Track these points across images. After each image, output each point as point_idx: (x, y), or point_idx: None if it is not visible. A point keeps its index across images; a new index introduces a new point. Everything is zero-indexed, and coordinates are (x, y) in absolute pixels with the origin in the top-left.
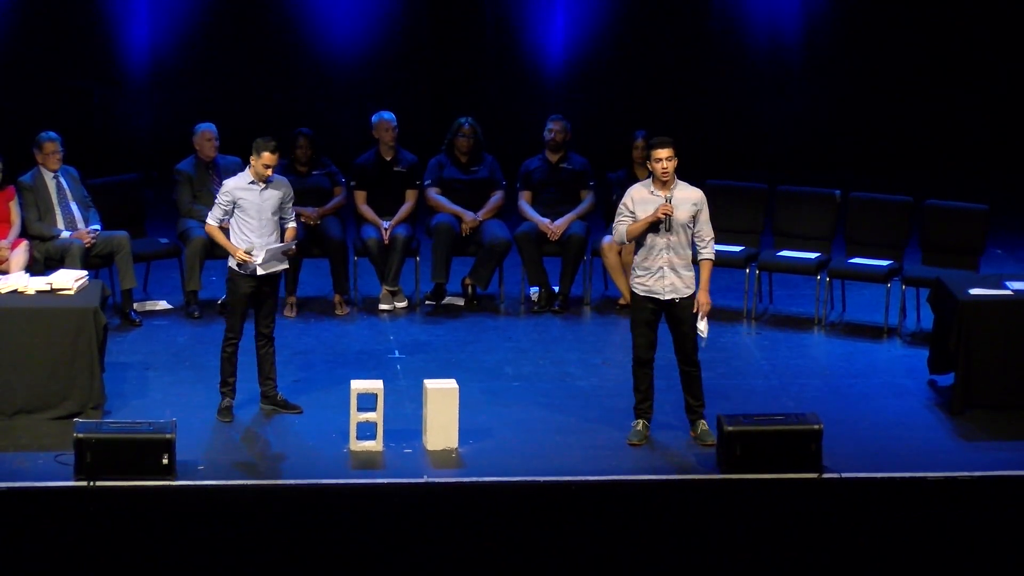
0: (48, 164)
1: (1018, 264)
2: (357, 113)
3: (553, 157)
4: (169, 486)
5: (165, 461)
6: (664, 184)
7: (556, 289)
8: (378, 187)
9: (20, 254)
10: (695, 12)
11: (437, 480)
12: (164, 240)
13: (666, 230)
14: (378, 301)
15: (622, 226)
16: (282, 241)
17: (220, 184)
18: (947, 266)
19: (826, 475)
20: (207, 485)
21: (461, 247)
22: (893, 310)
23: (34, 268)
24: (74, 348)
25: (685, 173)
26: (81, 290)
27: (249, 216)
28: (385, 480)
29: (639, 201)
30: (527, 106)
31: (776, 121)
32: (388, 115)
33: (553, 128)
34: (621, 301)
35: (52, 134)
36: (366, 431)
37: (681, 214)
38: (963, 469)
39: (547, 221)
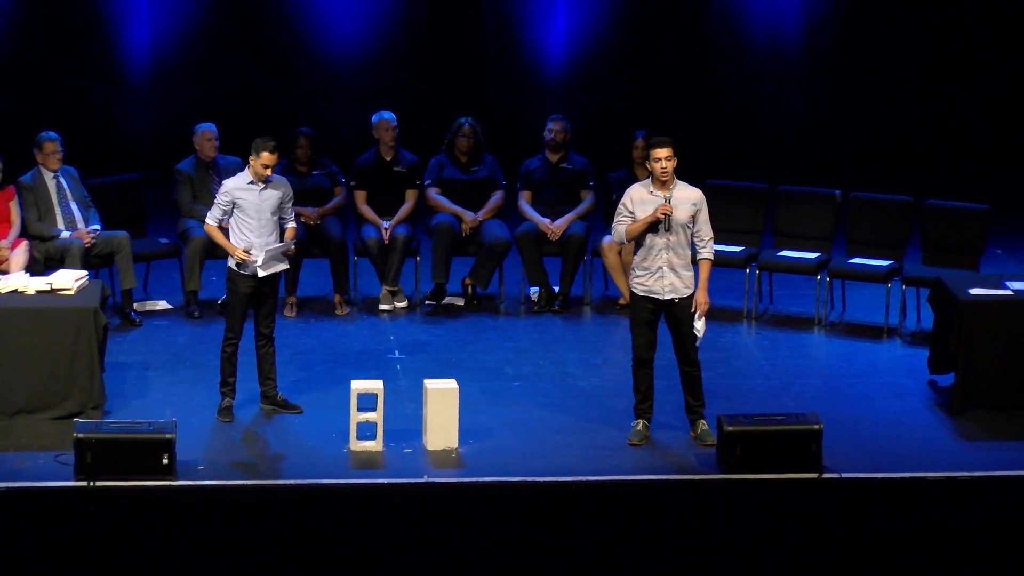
0: (48, 164)
1: (1018, 264)
2: (357, 113)
3: (553, 157)
4: (169, 486)
5: (165, 461)
6: (663, 184)
7: (556, 289)
8: (378, 187)
9: (20, 254)
10: (695, 12)
11: (437, 480)
12: (164, 240)
13: (665, 230)
14: (378, 301)
15: (621, 226)
16: (282, 241)
17: (220, 184)
18: (947, 266)
19: (826, 475)
20: (207, 485)
21: (461, 247)
22: (893, 310)
23: (34, 268)
24: (74, 348)
25: (685, 173)
26: (81, 290)
27: (248, 216)
28: (385, 480)
29: (638, 201)
30: (527, 106)
31: (776, 121)
32: (388, 115)
33: (553, 128)
34: (621, 301)
35: (52, 134)
36: (366, 431)
37: (680, 214)
38: (963, 469)
39: (547, 221)
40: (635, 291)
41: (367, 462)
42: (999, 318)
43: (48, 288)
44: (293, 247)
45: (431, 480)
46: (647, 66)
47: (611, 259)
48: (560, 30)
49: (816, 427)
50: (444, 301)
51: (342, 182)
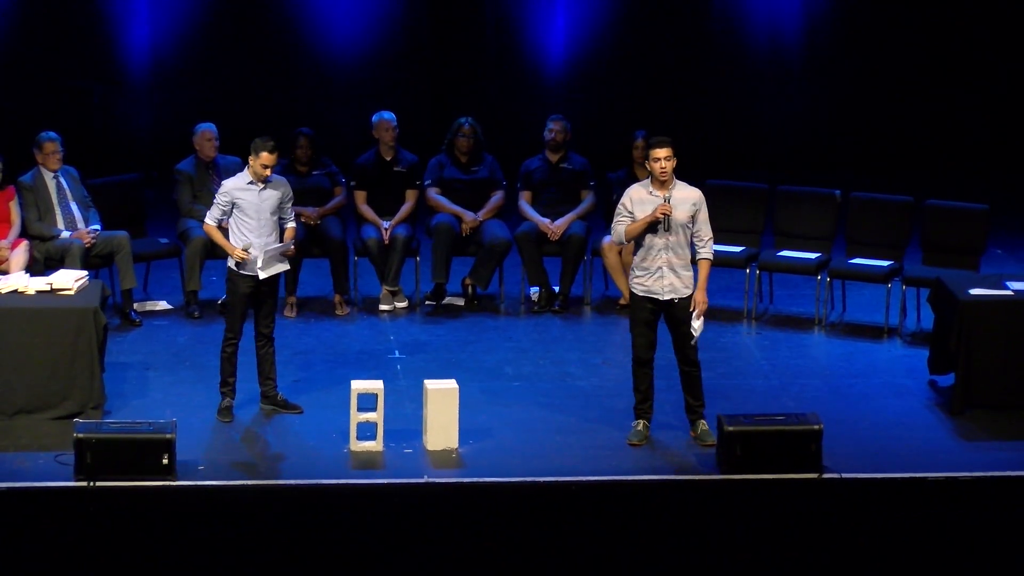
0: (48, 164)
1: (1019, 264)
2: (357, 113)
3: (553, 157)
4: (169, 486)
5: (165, 461)
6: (663, 184)
7: (556, 289)
8: (378, 187)
9: (20, 254)
10: (695, 12)
11: (437, 480)
12: (164, 240)
13: (664, 230)
14: (378, 301)
15: (620, 226)
16: (281, 241)
17: (220, 184)
18: (947, 266)
19: (826, 475)
20: (207, 485)
21: (461, 247)
22: (893, 310)
23: (34, 268)
24: (74, 348)
25: (685, 173)
26: (81, 290)
27: (248, 216)
28: (385, 480)
29: (637, 201)
30: (527, 106)
31: (776, 121)
32: (388, 115)
33: (553, 128)
34: (621, 301)
35: (52, 134)
36: (366, 431)
37: (680, 214)
38: (963, 469)
39: (547, 221)
40: (634, 291)
41: (367, 462)
42: (999, 318)
43: (48, 288)
44: (292, 247)
45: (431, 480)
46: (647, 66)
47: (611, 259)
48: (560, 30)
49: (816, 427)
50: (444, 301)
51: (342, 182)
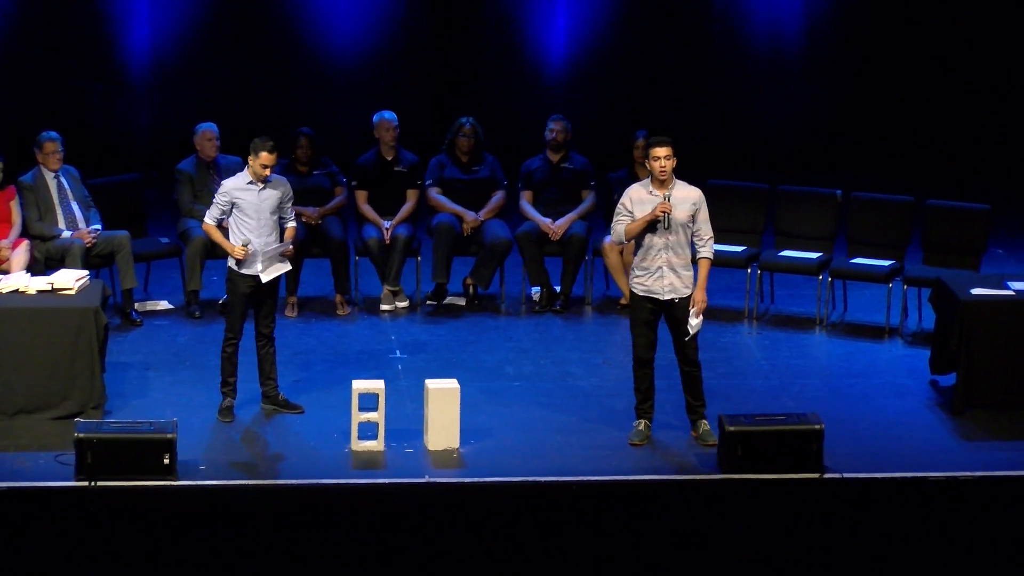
0: (48, 164)
1: (1019, 264)
2: (357, 113)
3: (554, 157)
4: (170, 486)
5: (166, 461)
6: (662, 183)
7: (557, 289)
8: (379, 187)
9: (21, 254)
10: (695, 12)
11: (438, 480)
12: (165, 240)
13: (664, 229)
14: (379, 301)
15: (620, 226)
16: (282, 241)
17: (221, 184)
18: (948, 266)
19: (827, 475)
20: (208, 485)
21: (462, 247)
22: (894, 310)
23: (35, 268)
24: (75, 348)
25: (685, 173)
26: (82, 290)
27: (248, 216)
28: (386, 480)
29: (637, 201)
30: (527, 106)
31: (776, 121)
32: (389, 115)
33: (554, 128)
34: (622, 301)
35: (52, 134)
36: (367, 431)
37: (680, 213)
38: (964, 469)
39: (548, 221)
40: (635, 291)
41: (368, 462)
42: (1000, 318)
43: (49, 288)
44: (291, 247)
45: (432, 480)
46: (647, 66)
47: (612, 259)
48: (560, 30)
49: (817, 427)
50: (445, 301)
51: (343, 182)
